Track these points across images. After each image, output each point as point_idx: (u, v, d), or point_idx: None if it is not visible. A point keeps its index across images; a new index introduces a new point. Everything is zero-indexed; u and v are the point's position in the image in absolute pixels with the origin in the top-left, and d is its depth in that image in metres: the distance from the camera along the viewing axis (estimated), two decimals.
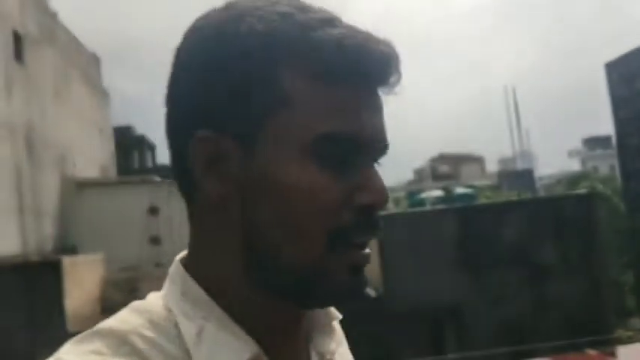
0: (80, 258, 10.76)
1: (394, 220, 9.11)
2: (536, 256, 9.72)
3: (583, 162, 51.40)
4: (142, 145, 30.87)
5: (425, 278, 8.81)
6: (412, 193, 21.62)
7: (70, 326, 8.83)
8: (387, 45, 0.61)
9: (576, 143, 58.75)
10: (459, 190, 14.17)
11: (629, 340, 11.09)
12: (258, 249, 0.60)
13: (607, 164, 43.89)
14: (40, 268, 9.40)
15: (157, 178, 16.53)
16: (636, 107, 18.03)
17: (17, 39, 12.24)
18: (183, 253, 0.68)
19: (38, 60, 13.23)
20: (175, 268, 0.66)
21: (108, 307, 10.37)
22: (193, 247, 0.65)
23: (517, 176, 13.33)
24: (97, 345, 0.59)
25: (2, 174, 11.14)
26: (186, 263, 0.66)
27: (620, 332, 13.70)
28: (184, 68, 0.64)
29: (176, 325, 0.61)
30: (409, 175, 56.50)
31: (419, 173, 55.66)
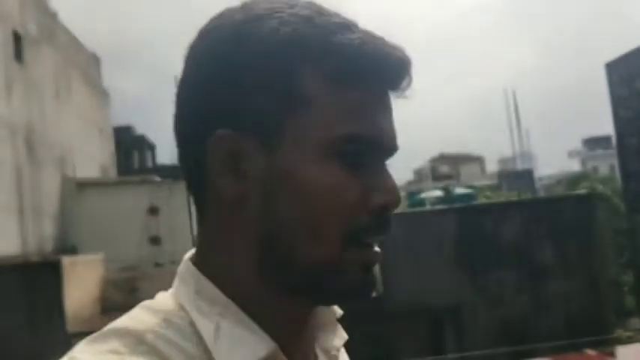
0: (80, 258, 10.76)
1: (394, 220, 9.11)
2: (535, 256, 9.73)
3: (583, 162, 51.44)
4: (142, 145, 30.90)
5: (424, 278, 8.81)
6: (412, 193, 21.64)
7: (70, 326, 8.83)
8: (402, 50, 0.63)
9: (576, 143, 58.81)
10: (459, 190, 14.19)
11: (628, 340, 11.10)
12: (277, 246, 0.61)
13: (607, 164, 43.92)
14: (39, 268, 9.40)
15: (157, 178, 16.55)
16: (636, 107, 18.02)
17: (17, 39, 12.24)
18: (192, 252, 0.68)
19: (38, 60, 13.24)
20: (185, 267, 0.66)
21: (108, 308, 10.38)
22: (205, 246, 0.66)
23: (517, 176, 13.34)
24: (114, 344, 0.59)
25: (2, 174, 11.14)
26: (196, 262, 0.66)
27: (619, 332, 13.69)
28: (201, 68, 0.64)
29: (191, 324, 0.61)
30: (409, 176, 56.49)
31: (419, 173, 55.63)
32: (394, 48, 0.63)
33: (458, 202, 11.81)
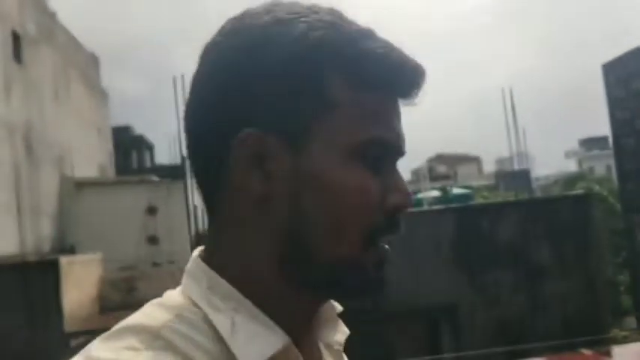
0: (78, 258, 10.75)
1: None
2: (532, 256, 9.74)
3: (580, 163, 51.47)
4: (141, 145, 30.87)
5: (421, 278, 8.84)
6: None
7: (68, 326, 8.83)
8: (418, 62, 0.67)
9: (573, 144, 58.83)
10: (456, 190, 14.22)
11: (624, 340, 11.13)
12: (300, 244, 0.63)
13: (604, 165, 43.93)
14: (37, 268, 9.38)
15: (155, 178, 16.55)
16: (633, 108, 18.03)
17: (16, 39, 12.24)
18: (199, 249, 0.70)
19: (37, 60, 13.24)
20: (195, 265, 0.68)
21: (106, 307, 10.38)
22: (219, 244, 0.67)
23: (514, 177, 13.37)
24: (131, 341, 0.60)
25: (0, 173, 11.15)
26: (207, 259, 0.67)
27: (615, 332, 13.72)
28: (226, 67, 0.65)
29: (204, 319, 0.62)
30: (407, 176, 56.23)
31: (416, 173, 55.53)
32: (412, 59, 0.66)
33: (455, 202, 11.83)
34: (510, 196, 15.07)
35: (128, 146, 28.36)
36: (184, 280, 0.68)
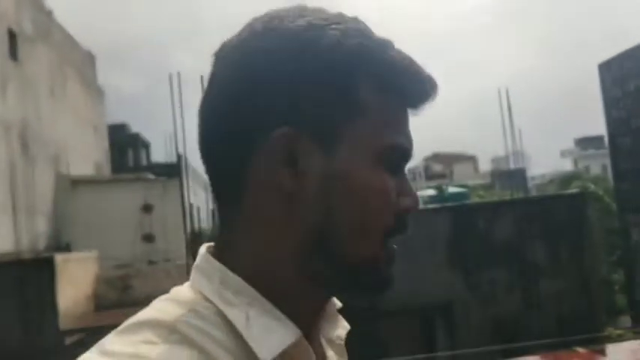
0: (73, 255, 10.73)
1: None
2: (527, 254, 9.76)
3: (575, 162, 51.59)
4: (137, 143, 30.84)
5: (417, 276, 8.85)
6: None
7: (63, 324, 8.83)
8: (431, 74, 0.71)
9: (569, 143, 58.95)
10: (452, 189, 14.22)
11: (619, 339, 11.18)
12: (326, 242, 0.65)
13: (599, 164, 44.07)
14: (33, 266, 9.36)
15: (151, 176, 16.55)
16: (628, 108, 18.10)
17: (12, 37, 12.23)
18: (206, 246, 0.72)
19: (33, 58, 13.22)
20: (205, 260, 0.69)
21: (101, 305, 10.37)
22: (233, 241, 0.68)
23: (509, 176, 13.40)
24: (147, 335, 0.61)
25: None
26: (217, 256, 0.69)
27: (610, 330, 13.77)
28: (257, 68, 0.66)
29: (217, 313, 0.64)
30: None
31: (412, 172, 55.70)
32: (427, 72, 0.70)
33: (451, 201, 11.83)
34: (506, 195, 15.10)
35: (124, 144, 28.34)
36: (193, 275, 0.69)
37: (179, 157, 9.72)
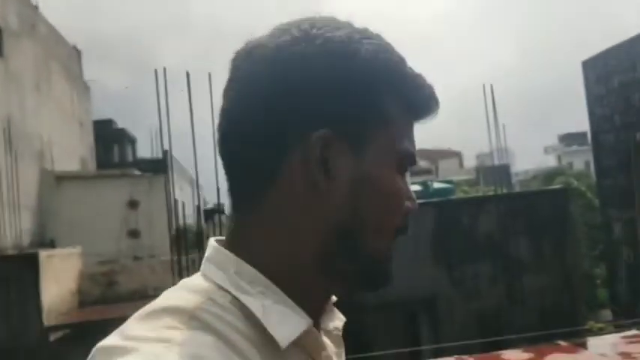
0: (57, 251, 10.67)
1: None
2: (511, 249, 9.82)
3: (559, 158, 51.92)
4: (123, 138, 30.60)
5: (401, 271, 8.88)
6: None
7: (47, 320, 8.79)
8: (435, 92, 0.78)
9: (553, 139, 59.27)
10: (437, 184, 14.29)
11: (600, 332, 11.32)
12: (348, 238, 0.71)
13: (582, 160, 44.37)
14: (16, 262, 9.32)
15: (137, 172, 16.48)
16: (612, 105, 18.25)
17: None
18: (215, 239, 0.76)
19: (18, 53, 13.12)
20: (218, 252, 0.73)
21: (85, 301, 10.34)
22: (248, 235, 0.72)
23: (494, 171, 13.49)
24: (168, 321, 0.63)
25: None
26: (230, 248, 0.72)
27: (591, 324, 13.94)
28: (297, 74, 0.70)
29: (233, 302, 0.67)
30: None
31: None
32: (434, 90, 0.78)
33: (436, 197, 11.88)
34: (490, 191, 15.18)
35: (110, 140, 28.13)
36: (205, 266, 0.73)
37: (165, 152, 9.70)
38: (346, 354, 0.85)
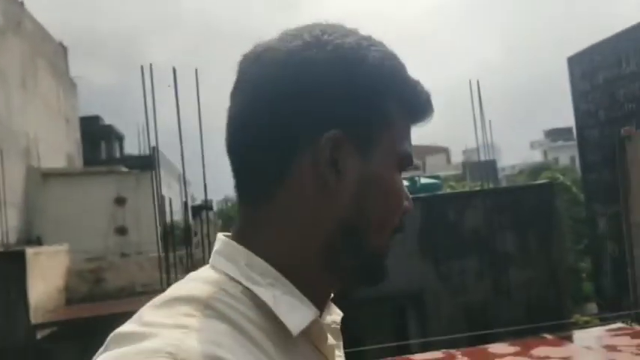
0: (44, 249, 10.61)
1: None
2: (497, 244, 9.88)
3: (545, 153, 52.24)
4: (110, 135, 30.44)
5: (389, 266, 8.94)
6: None
7: (34, 318, 8.75)
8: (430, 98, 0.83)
9: (539, 135, 59.62)
10: (424, 180, 14.32)
11: (585, 325, 11.43)
12: (353, 235, 0.74)
13: (568, 155, 44.68)
14: (3, 259, 9.25)
15: (124, 169, 16.41)
16: (597, 100, 18.35)
17: None
18: (223, 234, 0.79)
19: (4, 49, 13.01)
20: (228, 245, 0.76)
21: (73, 299, 10.30)
22: (257, 230, 0.75)
23: (480, 167, 13.55)
24: (183, 309, 0.65)
25: None
26: (239, 242, 0.75)
27: (577, 317, 14.07)
28: (309, 78, 0.73)
29: (244, 292, 0.70)
30: None
31: None
32: (430, 96, 0.82)
33: (423, 192, 11.91)
34: (476, 186, 15.25)
35: (97, 137, 27.97)
36: (214, 259, 0.76)
37: (153, 149, 9.67)
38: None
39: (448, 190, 19.03)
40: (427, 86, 0.81)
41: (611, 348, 6.40)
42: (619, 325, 7.98)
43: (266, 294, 0.70)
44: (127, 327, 0.65)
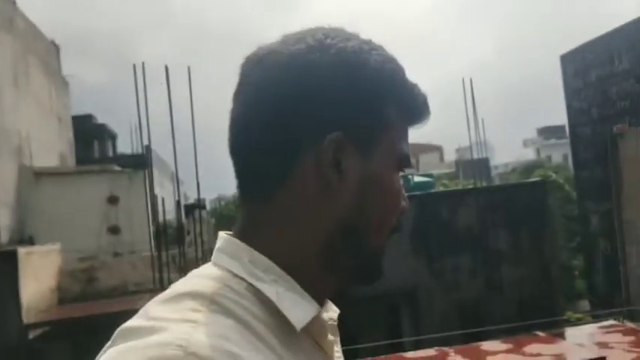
0: (36, 248, 10.57)
1: None
2: (490, 241, 9.92)
3: (538, 151, 52.44)
4: (103, 134, 30.32)
5: (383, 263, 8.95)
6: None
7: (26, 318, 8.72)
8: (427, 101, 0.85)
9: (532, 133, 59.81)
10: (417, 178, 14.36)
11: (578, 322, 11.49)
12: (353, 234, 0.76)
13: (560, 153, 44.85)
14: None
15: (117, 168, 16.36)
16: (589, 98, 18.41)
17: None
18: (225, 233, 0.80)
19: None
20: (230, 243, 0.77)
21: (65, 298, 10.26)
22: (259, 229, 0.76)
23: (473, 165, 13.60)
24: (189, 304, 0.67)
25: None
26: (243, 239, 0.76)
27: (569, 314, 14.14)
28: (312, 81, 0.74)
29: (248, 288, 0.71)
30: None
31: None
32: (427, 99, 0.84)
33: (417, 190, 11.95)
34: (469, 184, 15.29)
35: (90, 135, 27.86)
36: (217, 257, 0.77)
37: (147, 148, 9.64)
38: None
39: (441, 189, 19.06)
40: (422, 85, 0.83)
41: (603, 345, 6.43)
42: (611, 322, 8.02)
43: (270, 290, 0.71)
44: (133, 322, 0.66)
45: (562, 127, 41.84)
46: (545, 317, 8.19)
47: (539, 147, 53.36)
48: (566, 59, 19.50)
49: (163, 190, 16.29)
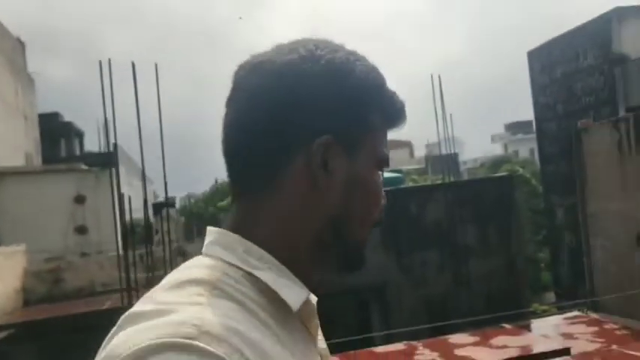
0: (0, 249, 10.40)
1: None
2: (458, 236, 10.01)
3: (505, 146, 53.10)
4: (70, 132, 29.83)
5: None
6: None
7: None
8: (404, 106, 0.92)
9: (500, 128, 60.50)
10: (387, 174, 14.44)
11: (543, 314, 11.69)
12: (340, 227, 0.83)
13: (527, 148, 45.46)
14: None
15: (84, 166, 16.12)
16: (555, 94, 18.72)
17: None
18: (214, 228, 0.85)
19: None
20: (225, 235, 0.82)
21: (31, 300, 10.11)
22: (255, 221, 0.82)
23: (442, 160, 13.72)
24: (194, 289, 0.73)
25: None
26: (237, 231, 0.82)
27: (535, 306, 14.39)
28: (303, 89, 0.81)
29: (244, 276, 0.77)
30: None
31: None
32: (404, 105, 0.91)
33: (386, 186, 12.00)
34: (438, 180, 15.42)
35: (56, 134, 27.41)
36: (209, 248, 0.82)
37: (114, 146, 9.52)
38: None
39: (410, 184, 19.20)
40: (392, 83, 0.90)
41: (568, 336, 6.57)
42: (575, 313, 8.19)
43: (265, 275, 0.77)
44: (140, 307, 0.71)
45: (529, 123, 42.29)
46: (512, 310, 8.30)
47: (506, 142, 54.02)
48: (533, 56, 19.77)
49: (132, 189, 16.11)
